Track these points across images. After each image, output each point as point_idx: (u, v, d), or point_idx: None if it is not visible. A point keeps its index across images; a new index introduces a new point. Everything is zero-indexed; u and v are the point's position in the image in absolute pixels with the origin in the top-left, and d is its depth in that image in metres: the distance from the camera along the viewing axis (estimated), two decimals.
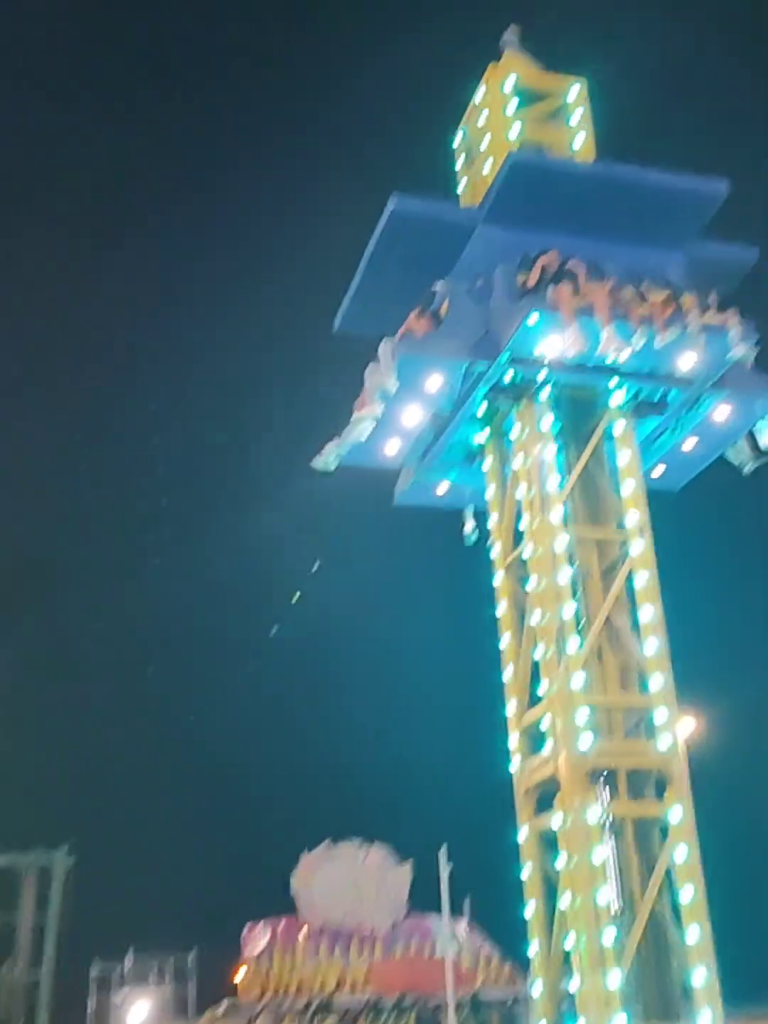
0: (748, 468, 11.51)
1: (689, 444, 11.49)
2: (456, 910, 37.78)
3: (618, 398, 10.70)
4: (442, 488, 12.00)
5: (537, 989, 9.71)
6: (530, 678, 10.32)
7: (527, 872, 10.00)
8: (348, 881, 43.39)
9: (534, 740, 10.21)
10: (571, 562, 10.50)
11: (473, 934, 40.67)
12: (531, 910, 9.88)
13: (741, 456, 11.52)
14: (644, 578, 10.19)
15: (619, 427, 10.72)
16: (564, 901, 9.35)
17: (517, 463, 10.59)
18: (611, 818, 9.70)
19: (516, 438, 10.59)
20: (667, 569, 10.44)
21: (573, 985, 9.17)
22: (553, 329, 9.83)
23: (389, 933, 43.06)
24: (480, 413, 10.95)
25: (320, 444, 11.05)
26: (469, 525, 11.87)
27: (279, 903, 43.38)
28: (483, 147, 11.92)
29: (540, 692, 10.07)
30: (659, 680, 9.87)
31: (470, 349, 10.21)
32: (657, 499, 11.74)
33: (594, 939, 8.92)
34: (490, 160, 11.56)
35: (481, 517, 11.68)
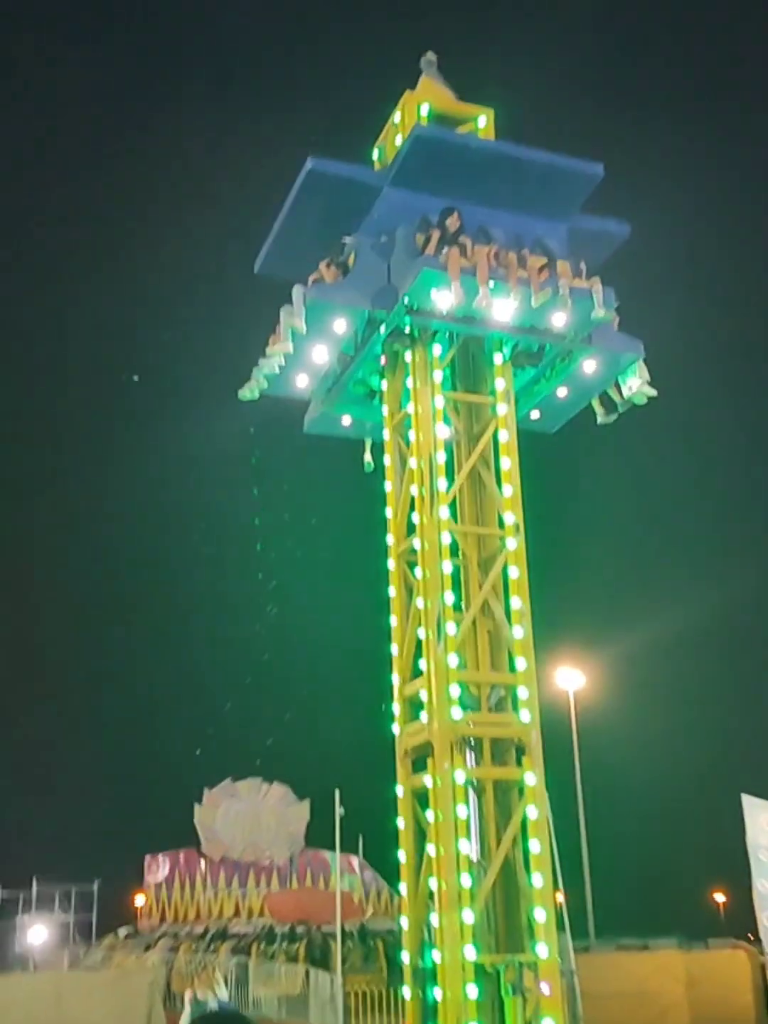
0: (603, 419, 13.15)
1: (562, 392, 13.12)
2: (349, 848, 39.86)
3: (500, 357, 12.27)
4: (346, 420, 13.62)
5: (405, 923, 11.21)
6: (413, 655, 11.68)
7: (402, 823, 11.44)
8: (249, 815, 45.24)
9: (413, 709, 11.60)
10: (454, 554, 11.87)
11: (365, 870, 42.88)
12: (403, 857, 11.34)
13: (600, 407, 13.14)
14: (516, 572, 11.60)
15: (502, 383, 12.20)
16: (431, 850, 10.82)
17: (411, 410, 11.98)
18: (475, 780, 11.19)
19: (411, 386, 12.02)
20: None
21: (435, 921, 10.66)
22: (443, 286, 11.19)
23: (287, 865, 45.09)
24: (382, 361, 12.47)
25: (244, 375, 12.61)
26: (368, 456, 13.70)
27: (180, 837, 45.06)
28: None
29: (421, 667, 11.43)
30: (523, 662, 11.33)
31: (372, 298, 11.60)
32: (535, 439, 13.73)
33: (453, 883, 10.40)
34: (400, 138, 12.75)
35: (378, 449, 13.34)
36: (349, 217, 12.15)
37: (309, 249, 12.23)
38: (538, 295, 11.35)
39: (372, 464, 13.54)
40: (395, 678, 11.87)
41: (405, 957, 11.15)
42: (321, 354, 12.33)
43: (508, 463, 11.97)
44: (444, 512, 11.55)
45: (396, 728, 11.77)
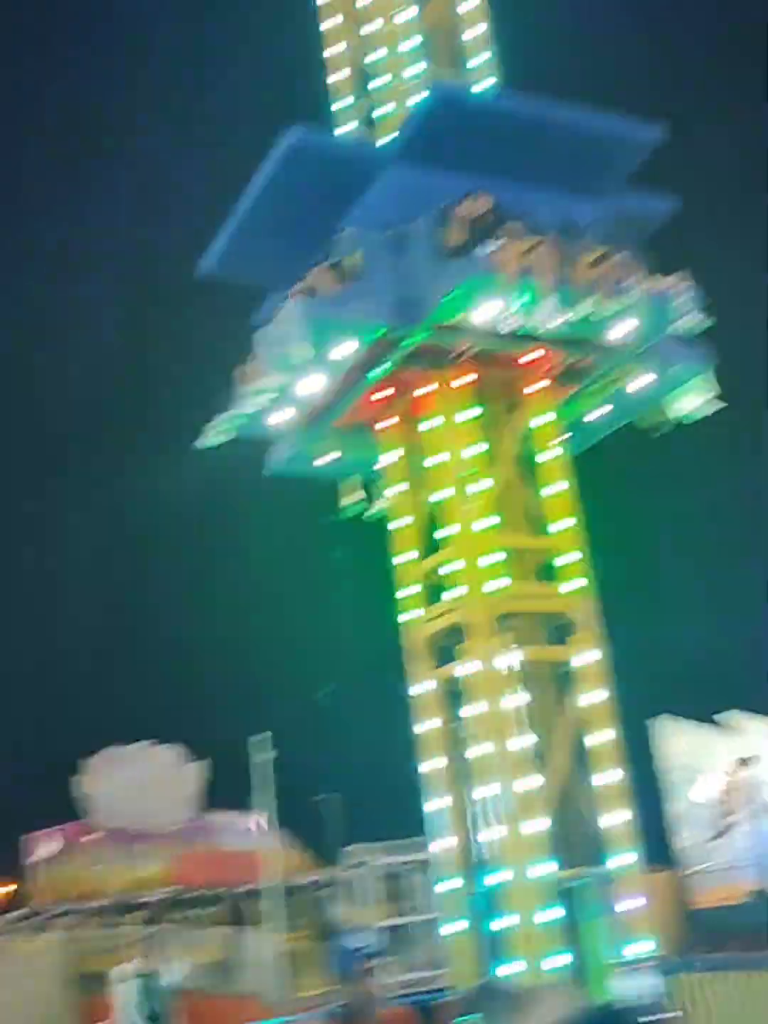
0: (656, 432, 10.54)
1: (599, 412, 10.36)
2: (253, 806, 37.89)
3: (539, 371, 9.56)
4: (328, 458, 10.54)
5: (446, 844, 9.23)
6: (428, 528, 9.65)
7: (426, 727, 9.46)
8: (137, 782, 42.68)
9: (432, 591, 9.58)
10: None
11: (270, 827, 40.96)
12: (435, 765, 9.36)
13: (652, 420, 10.34)
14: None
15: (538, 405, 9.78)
16: (474, 751, 8.88)
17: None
18: (520, 664, 9.27)
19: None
20: None
21: (485, 836, 8.75)
22: (485, 294, 8.37)
23: (182, 831, 42.83)
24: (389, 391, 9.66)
25: (203, 420, 9.67)
26: (354, 496, 10.68)
27: (60, 811, 42.14)
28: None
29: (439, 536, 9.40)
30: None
31: (389, 312, 8.61)
32: None
33: (510, 788, 8.51)
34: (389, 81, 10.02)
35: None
36: (334, 202, 9.14)
37: (276, 244, 9.37)
38: (607, 303, 8.59)
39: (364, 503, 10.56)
40: (406, 555, 9.80)
41: (448, 884, 9.19)
42: (314, 384, 9.02)
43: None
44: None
45: (410, 615, 9.74)
